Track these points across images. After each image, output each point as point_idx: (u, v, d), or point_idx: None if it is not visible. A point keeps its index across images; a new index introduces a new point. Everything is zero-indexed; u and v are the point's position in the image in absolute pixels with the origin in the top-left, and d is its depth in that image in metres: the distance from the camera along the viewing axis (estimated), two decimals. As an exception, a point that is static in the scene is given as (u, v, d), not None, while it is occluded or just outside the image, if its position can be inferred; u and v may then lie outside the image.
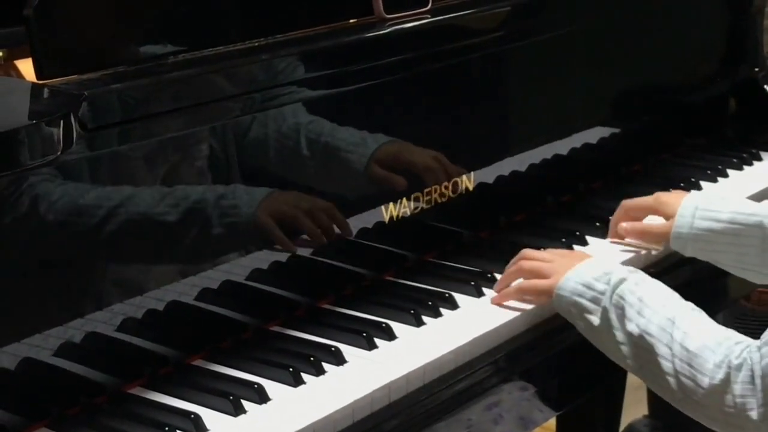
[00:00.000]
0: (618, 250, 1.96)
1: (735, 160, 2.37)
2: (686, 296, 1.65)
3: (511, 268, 1.79)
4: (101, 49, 1.59)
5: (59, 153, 1.41)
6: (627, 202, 1.98)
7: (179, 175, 1.58)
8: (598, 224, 2.03)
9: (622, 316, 1.60)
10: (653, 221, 1.96)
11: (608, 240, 1.99)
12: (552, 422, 2.60)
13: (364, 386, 1.54)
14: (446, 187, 1.92)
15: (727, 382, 1.46)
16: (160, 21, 1.66)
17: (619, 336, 1.60)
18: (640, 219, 1.97)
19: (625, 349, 1.60)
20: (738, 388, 1.45)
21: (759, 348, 1.44)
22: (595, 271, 1.66)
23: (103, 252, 1.51)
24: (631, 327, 1.58)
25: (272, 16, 1.77)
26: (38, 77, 1.51)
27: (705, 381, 1.48)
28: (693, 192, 1.84)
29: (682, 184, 2.23)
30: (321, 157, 1.75)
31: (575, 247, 1.96)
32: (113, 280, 1.52)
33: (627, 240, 1.97)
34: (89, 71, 1.55)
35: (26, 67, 1.63)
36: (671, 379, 1.53)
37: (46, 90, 1.50)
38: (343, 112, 1.78)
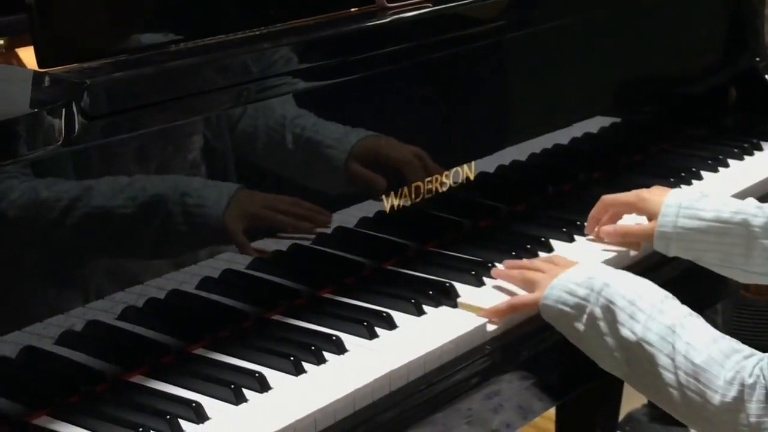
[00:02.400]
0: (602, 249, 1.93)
1: (736, 150, 2.37)
2: (681, 288, 1.64)
3: (512, 271, 1.76)
4: (102, 38, 1.59)
5: (61, 141, 1.41)
6: (607, 198, 1.92)
7: (175, 165, 1.58)
8: (598, 214, 2.03)
9: (613, 321, 1.55)
10: (627, 221, 1.91)
11: (586, 237, 1.95)
12: (552, 412, 2.60)
13: (365, 375, 1.54)
14: (447, 177, 1.92)
15: (741, 400, 1.41)
16: (161, 10, 1.66)
17: (611, 342, 1.55)
18: (619, 215, 1.92)
19: (619, 356, 1.55)
20: (753, 407, 1.41)
21: None
22: (578, 276, 1.62)
23: (104, 240, 1.51)
24: (625, 332, 1.53)
25: (273, 5, 1.77)
26: (39, 65, 1.51)
27: (716, 398, 1.43)
28: (674, 190, 1.77)
29: (682, 174, 2.23)
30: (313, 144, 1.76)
31: (575, 236, 1.96)
32: (114, 269, 1.52)
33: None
34: (90, 60, 1.55)
35: (27, 56, 1.63)
36: (674, 392, 1.48)
37: (47, 78, 1.50)
38: (345, 100, 1.78)
